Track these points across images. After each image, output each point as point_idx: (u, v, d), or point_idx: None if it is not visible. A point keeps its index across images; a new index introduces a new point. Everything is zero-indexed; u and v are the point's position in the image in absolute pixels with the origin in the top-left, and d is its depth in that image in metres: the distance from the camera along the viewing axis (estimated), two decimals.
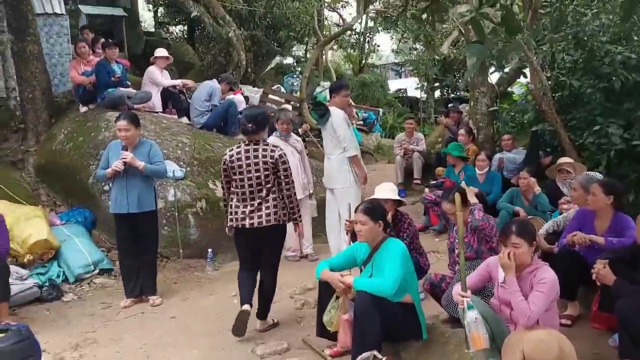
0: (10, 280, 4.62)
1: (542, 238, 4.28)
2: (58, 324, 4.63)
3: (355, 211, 3.71)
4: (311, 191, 6.30)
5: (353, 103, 5.81)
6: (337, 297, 3.55)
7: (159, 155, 5.01)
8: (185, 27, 18.45)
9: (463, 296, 3.10)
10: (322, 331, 3.68)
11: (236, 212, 4.15)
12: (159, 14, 19.10)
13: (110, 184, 5.50)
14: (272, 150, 4.12)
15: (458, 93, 16.50)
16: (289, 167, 4.19)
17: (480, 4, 2.52)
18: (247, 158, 4.10)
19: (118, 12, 13.71)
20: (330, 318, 3.54)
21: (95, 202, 6.33)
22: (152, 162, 4.89)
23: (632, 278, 3.34)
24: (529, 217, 5.40)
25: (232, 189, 4.22)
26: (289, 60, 18.76)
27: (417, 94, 17.81)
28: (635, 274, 3.41)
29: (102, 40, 8.52)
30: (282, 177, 4.11)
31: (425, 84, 16.70)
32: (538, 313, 3.07)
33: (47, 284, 5.27)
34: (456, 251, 3.87)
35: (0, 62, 9.03)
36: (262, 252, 4.21)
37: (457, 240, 3.82)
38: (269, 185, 4.10)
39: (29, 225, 5.58)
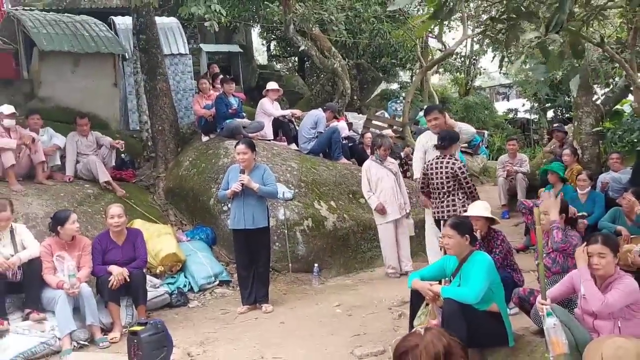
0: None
1: (637, 255, 4.32)
2: (185, 325, 5.31)
3: (444, 226, 4.03)
4: (408, 211, 6.63)
5: (449, 122, 5.99)
6: (427, 304, 3.87)
7: (272, 178, 5.64)
8: (296, 59, 19.59)
9: (542, 304, 3.31)
10: None
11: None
12: (271, 48, 20.42)
13: (229, 204, 6.29)
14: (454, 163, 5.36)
15: (572, 113, 15.96)
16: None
17: (546, 30, 2.78)
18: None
19: (235, 49, 14.89)
20: (420, 323, 3.86)
21: (216, 221, 7.09)
22: (266, 184, 5.51)
23: None
24: (632, 236, 5.35)
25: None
26: (394, 86, 19.22)
27: (528, 115, 17.46)
28: None
29: (221, 76, 9.51)
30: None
31: (536, 104, 16.34)
32: (613, 305, 3.20)
33: (176, 292, 6.03)
34: (535, 262, 4.05)
35: (134, 99, 10.38)
36: None
37: (545, 254, 4.00)
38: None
39: (161, 241, 6.40)
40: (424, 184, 5.78)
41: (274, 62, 20.73)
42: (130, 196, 7.51)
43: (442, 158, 5.57)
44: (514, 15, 3.21)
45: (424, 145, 6.02)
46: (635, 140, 7.43)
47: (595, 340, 3.25)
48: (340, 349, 4.38)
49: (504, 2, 3.34)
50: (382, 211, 6.38)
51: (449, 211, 5.47)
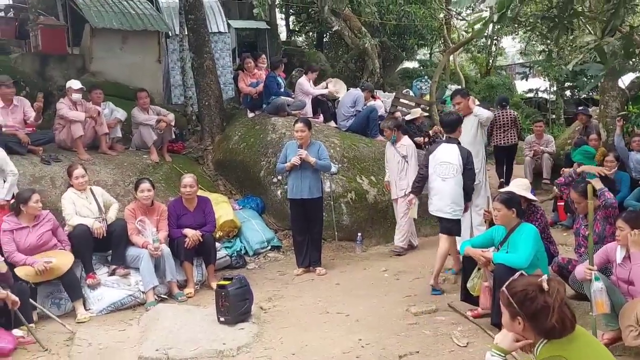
0: None
1: None
2: (250, 283, 5.92)
3: (493, 201, 4.58)
4: (404, 193, 6.60)
5: (476, 102, 6.39)
6: (479, 269, 4.45)
7: (326, 153, 6.21)
8: (314, 34, 19.78)
9: (590, 269, 3.85)
10: (466, 296, 4.59)
11: None
12: (290, 23, 20.59)
13: (280, 177, 6.94)
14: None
15: (590, 93, 16.30)
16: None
17: (602, 34, 3.27)
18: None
19: (262, 25, 15.16)
20: (473, 285, 4.45)
21: (266, 192, 7.67)
22: (320, 159, 6.07)
23: None
24: None
25: None
26: (414, 64, 19.56)
27: (545, 95, 17.80)
28: None
29: (262, 55, 9.99)
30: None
31: (555, 84, 16.66)
32: None
33: (235, 254, 6.65)
34: (581, 235, 4.60)
35: (177, 75, 10.89)
36: None
37: (582, 226, 4.55)
38: None
39: (219, 208, 6.96)
40: None
41: (295, 37, 20.97)
42: (183, 167, 8.09)
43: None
44: (562, 14, 3.67)
45: None
46: None
47: (630, 302, 3.79)
48: (396, 306, 4.98)
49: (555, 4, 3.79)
50: (386, 187, 7.02)
51: None
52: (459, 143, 5.52)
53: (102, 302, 5.25)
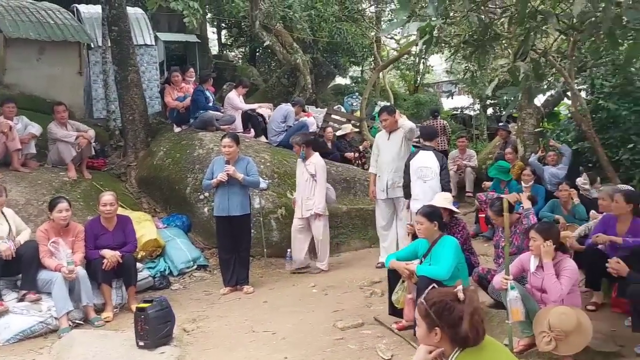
0: None
1: (574, 240, 5.08)
2: (172, 305, 5.63)
3: (416, 214, 4.65)
4: (318, 212, 6.47)
5: (400, 119, 6.61)
6: (403, 281, 4.48)
7: (255, 169, 6.12)
8: (247, 49, 19.66)
9: (506, 279, 3.95)
10: (393, 310, 4.62)
11: None
12: (222, 37, 20.41)
13: (208, 193, 6.79)
14: None
15: (511, 111, 17.01)
16: None
17: (514, 58, 3.41)
18: None
19: (192, 38, 14.92)
20: (397, 297, 4.48)
21: (192, 209, 7.47)
22: (249, 175, 5.97)
23: None
24: (568, 224, 6.14)
25: None
26: (346, 81, 19.85)
27: (470, 111, 18.48)
28: None
29: (191, 68, 9.81)
30: None
31: (478, 102, 17.33)
32: (566, 291, 3.88)
33: (158, 275, 6.40)
34: (500, 246, 4.73)
35: (100, 88, 10.51)
36: None
37: (502, 238, 4.68)
38: None
39: (141, 227, 6.70)
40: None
41: (227, 52, 20.81)
42: (104, 184, 7.76)
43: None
44: (482, 38, 3.82)
45: (376, 141, 6.72)
46: (570, 140, 8.34)
47: (542, 310, 3.92)
48: (323, 322, 4.92)
49: (475, 28, 3.94)
50: (293, 204, 6.82)
51: None
52: (434, 149, 6.26)
53: (9, 331, 4.87)
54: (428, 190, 5.90)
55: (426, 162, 6.06)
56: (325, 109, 12.14)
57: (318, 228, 6.57)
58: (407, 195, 6.17)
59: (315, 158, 6.66)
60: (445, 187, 5.97)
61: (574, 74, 7.79)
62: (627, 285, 4.06)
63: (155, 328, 4.40)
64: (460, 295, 2.24)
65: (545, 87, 8.56)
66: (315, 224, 6.57)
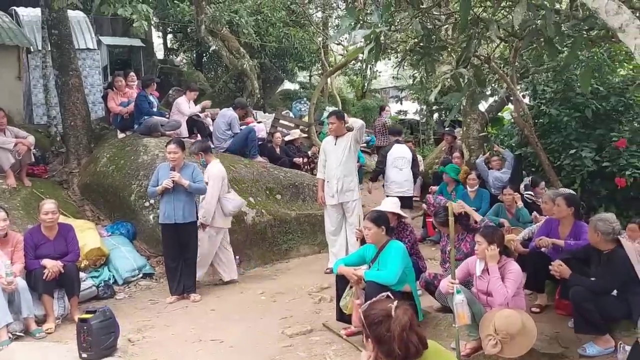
0: None
1: (519, 243, 5.23)
2: (117, 315, 5.44)
3: (364, 219, 4.68)
4: (202, 221, 6.14)
5: (348, 121, 6.65)
6: (351, 287, 4.49)
7: (201, 175, 6.00)
8: (194, 53, 19.36)
9: (452, 283, 4.03)
10: (341, 316, 4.62)
11: None
12: (167, 42, 20.01)
13: (153, 201, 6.62)
14: None
15: (456, 116, 17.43)
16: None
17: (457, 64, 3.49)
18: None
19: (136, 42, 14.56)
20: (345, 303, 4.48)
21: (137, 217, 7.27)
22: (195, 181, 5.87)
23: (584, 272, 4.30)
24: (512, 227, 6.32)
25: None
26: (295, 86, 19.86)
27: (417, 117, 18.84)
28: (586, 268, 4.36)
29: (132, 73, 9.58)
30: None
31: (424, 107, 17.70)
32: (511, 294, 3.99)
33: (102, 284, 6.20)
34: (447, 251, 4.82)
35: (40, 93, 10.13)
36: None
37: (448, 243, 4.76)
38: None
39: (84, 235, 6.46)
40: None
41: (172, 56, 20.45)
42: (44, 192, 7.48)
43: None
44: (428, 45, 3.89)
45: (323, 146, 6.70)
46: (514, 145, 8.60)
47: (488, 313, 4.01)
48: (272, 329, 4.89)
49: (419, 36, 4.01)
50: None
51: None
52: (405, 142, 8.01)
53: None
54: (402, 176, 7.55)
55: (402, 153, 7.71)
56: (274, 114, 12.12)
57: (202, 239, 6.20)
58: (375, 179, 8.17)
59: (212, 166, 6.32)
60: (416, 174, 7.87)
61: (517, 80, 8.04)
62: (569, 287, 4.18)
63: (99, 339, 4.28)
64: (392, 313, 2.20)
65: (489, 93, 8.91)
66: (201, 233, 6.18)
